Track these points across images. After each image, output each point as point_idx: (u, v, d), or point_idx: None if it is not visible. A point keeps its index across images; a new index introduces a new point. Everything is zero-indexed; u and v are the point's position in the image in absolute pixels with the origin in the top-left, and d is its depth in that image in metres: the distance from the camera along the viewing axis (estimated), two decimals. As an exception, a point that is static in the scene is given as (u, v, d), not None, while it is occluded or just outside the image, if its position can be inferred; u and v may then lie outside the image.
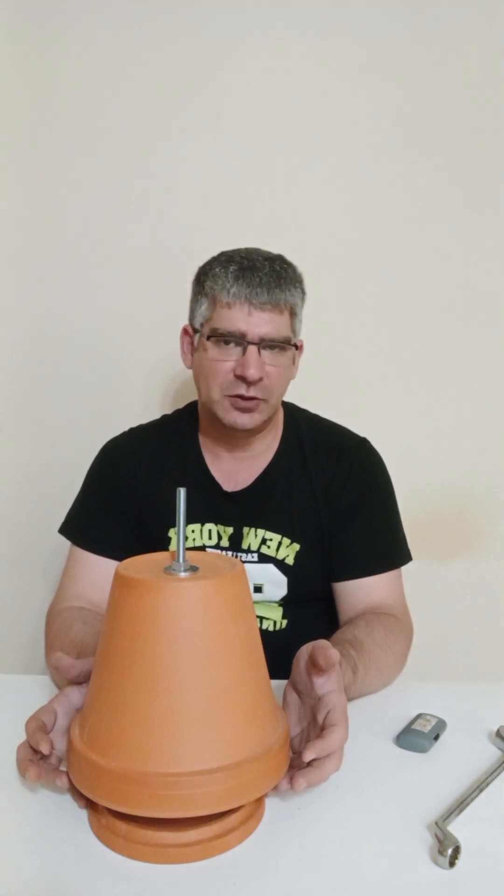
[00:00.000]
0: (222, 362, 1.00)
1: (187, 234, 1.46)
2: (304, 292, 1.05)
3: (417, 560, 1.12)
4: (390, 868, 0.60)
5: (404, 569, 1.09)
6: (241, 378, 0.99)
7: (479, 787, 0.70)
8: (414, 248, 1.50)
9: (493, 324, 1.52)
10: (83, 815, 0.66)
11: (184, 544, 0.65)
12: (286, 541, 1.08)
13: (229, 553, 1.08)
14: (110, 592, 0.65)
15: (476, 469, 1.55)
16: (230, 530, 1.09)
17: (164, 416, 1.21)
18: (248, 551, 1.08)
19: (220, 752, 0.60)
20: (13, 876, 0.58)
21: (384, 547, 1.08)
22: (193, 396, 1.13)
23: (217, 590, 0.63)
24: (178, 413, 1.20)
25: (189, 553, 0.67)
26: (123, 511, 1.09)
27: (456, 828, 0.63)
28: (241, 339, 0.99)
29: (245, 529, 1.08)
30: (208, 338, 1.01)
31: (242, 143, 1.46)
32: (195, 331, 1.05)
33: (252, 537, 1.08)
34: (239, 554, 1.08)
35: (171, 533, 1.08)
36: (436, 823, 0.63)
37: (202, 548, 1.08)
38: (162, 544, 1.08)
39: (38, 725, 0.68)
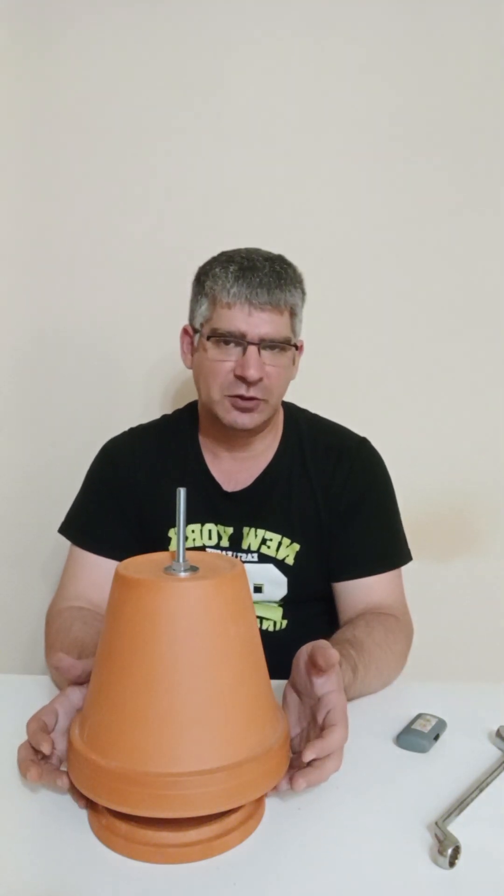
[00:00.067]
0: (222, 362, 1.00)
1: (187, 234, 1.46)
2: (304, 292, 1.05)
3: (417, 560, 1.12)
4: (390, 868, 0.60)
5: (404, 569, 1.09)
6: (241, 378, 0.98)
7: (479, 787, 0.70)
8: (414, 248, 1.50)
9: (493, 324, 1.52)
10: (83, 815, 0.66)
11: (184, 544, 0.65)
12: (286, 541, 1.08)
13: (229, 553, 1.08)
14: (110, 592, 0.65)
15: (476, 469, 1.55)
16: (230, 530, 1.09)
17: (164, 416, 1.21)
18: (248, 551, 1.08)
19: (220, 752, 0.60)
20: (13, 876, 0.58)
21: (384, 547, 1.08)
22: (193, 396, 1.13)
23: (217, 590, 0.63)
24: (178, 413, 1.20)
25: (189, 553, 0.67)
26: (123, 511, 1.09)
27: (456, 828, 0.63)
28: (241, 340, 0.99)
29: (245, 529, 1.08)
30: (208, 338, 1.01)
31: (243, 142, 1.46)
32: (195, 331, 1.05)
33: (252, 537, 1.08)
34: (239, 554, 1.08)
35: (171, 533, 1.08)
36: (436, 823, 0.63)
37: (202, 548, 1.08)
38: (162, 544, 1.08)
39: (40, 726, 0.68)
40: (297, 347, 1.06)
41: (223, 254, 1.03)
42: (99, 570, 1.05)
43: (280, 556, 1.07)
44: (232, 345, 0.99)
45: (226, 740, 0.61)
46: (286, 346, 1.02)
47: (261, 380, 0.99)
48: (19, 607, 1.54)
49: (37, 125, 1.45)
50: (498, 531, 1.56)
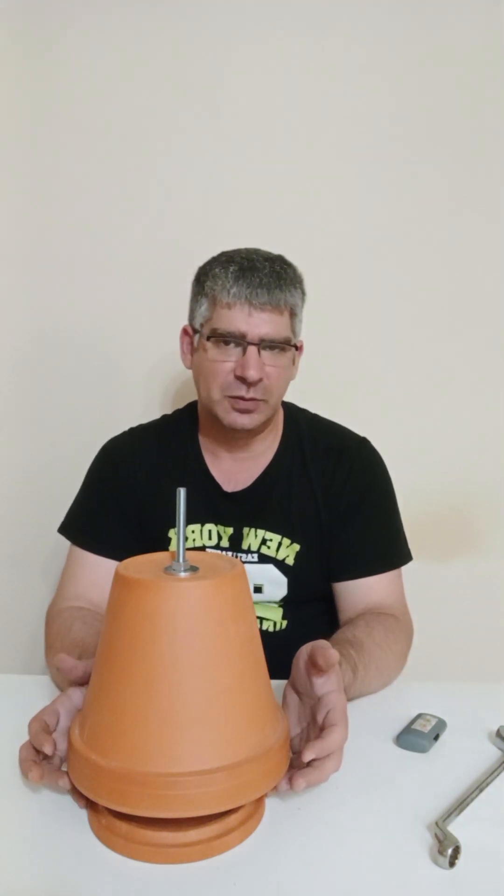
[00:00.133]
0: (222, 363, 1.00)
1: (187, 234, 1.46)
2: (304, 293, 1.05)
3: (417, 560, 1.12)
4: (390, 868, 0.60)
5: (404, 569, 1.09)
6: (241, 379, 0.98)
7: (479, 787, 0.70)
8: (414, 248, 1.50)
9: (493, 324, 1.52)
10: (83, 815, 0.66)
11: (184, 544, 0.65)
12: (286, 541, 1.08)
13: (229, 553, 1.08)
14: (110, 592, 0.65)
15: (476, 469, 1.55)
16: (230, 531, 1.09)
17: (164, 416, 1.21)
18: (248, 552, 1.08)
19: (220, 752, 0.60)
20: (13, 876, 0.59)
21: (384, 547, 1.08)
22: (193, 396, 1.13)
23: (217, 590, 0.63)
24: (178, 413, 1.20)
25: (189, 553, 0.67)
26: (123, 511, 1.09)
27: (456, 828, 0.63)
28: (240, 340, 0.99)
29: (245, 530, 1.08)
30: (208, 338, 1.01)
31: (243, 143, 1.46)
32: (195, 331, 1.05)
33: (252, 538, 1.08)
34: (239, 554, 1.08)
35: (171, 533, 1.08)
36: (436, 823, 0.63)
37: (202, 548, 1.08)
38: (162, 544, 1.08)
39: (41, 726, 0.68)
40: (296, 348, 1.06)
41: (223, 254, 1.03)
42: (99, 570, 1.05)
43: (280, 556, 1.07)
44: (232, 345, 0.99)
45: (226, 740, 0.61)
46: (286, 346, 1.02)
47: (261, 380, 0.99)
48: (19, 607, 1.54)
49: (37, 125, 1.46)
50: (498, 531, 1.56)
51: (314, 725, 0.69)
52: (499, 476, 1.55)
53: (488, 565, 1.57)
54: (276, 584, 1.08)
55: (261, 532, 1.08)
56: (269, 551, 1.08)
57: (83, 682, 0.72)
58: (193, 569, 0.65)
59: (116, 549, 1.04)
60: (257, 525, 1.08)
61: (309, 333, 1.11)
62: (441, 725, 0.81)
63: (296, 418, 1.15)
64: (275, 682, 0.70)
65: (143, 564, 0.68)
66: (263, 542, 1.08)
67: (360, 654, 0.86)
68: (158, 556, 0.71)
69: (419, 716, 0.82)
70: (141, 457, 1.12)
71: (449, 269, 1.50)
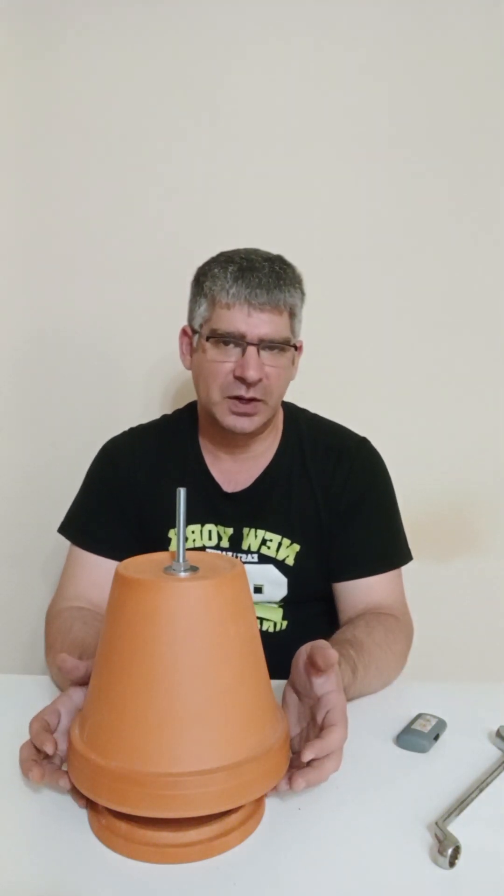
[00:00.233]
0: (221, 363, 1.00)
1: (187, 234, 1.46)
2: (303, 293, 1.05)
3: (417, 560, 1.12)
4: (390, 868, 0.60)
5: (404, 569, 1.09)
6: (241, 379, 0.98)
7: (479, 787, 0.70)
8: (414, 249, 1.50)
9: (493, 324, 1.52)
10: (83, 815, 0.66)
11: (184, 544, 0.65)
12: (286, 541, 1.08)
13: (229, 554, 1.08)
14: (110, 592, 0.65)
15: (476, 469, 1.55)
16: (230, 531, 1.09)
17: (164, 417, 1.21)
18: (248, 552, 1.08)
19: (220, 752, 0.60)
20: (13, 876, 0.59)
21: (384, 547, 1.08)
22: (193, 396, 1.13)
23: (217, 590, 0.63)
24: (177, 413, 1.20)
25: (189, 553, 0.67)
26: (123, 511, 1.09)
27: (456, 828, 0.63)
28: (240, 340, 0.99)
29: (245, 530, 1.08)
30: (207, 339, 1.01)
31: (243, 143, 1.46)
32: (194, 332, 1.05)
33: (252, 538, 1.08)
34: (239, 555, 1.08)
35: (171, 533, 1.08)
36: (436, 823, 0.63)
37: (202, 548, 1.08)
38: (162, 545, 1.08)
39: (43, 726, 0.68)
40: (296, 348, 1.06)
41: (222, 254, 1.03)
42: (99, 570, 1.05)
43: (280, 556, 1.07)
44: (231, 345, 0.99)
45: (226, 740, 0.61)
46: (286, 346, 1.01)
47: (260, 380, 0.99)
48: (19, 607, 1.54)
49: (37, 125, 1.46)
50: (498, 531, 1.56)
51: (314, 725, 0.69)
52: (499, 476, 1.55)
53: (488, 565, 1.57)
54: (276, 585, 1.08)
55: (261, 532, 1.08)
56: (269, 551, 1.08)
57: (84, 681, 0.72)
58: (193, 569, 0.65)
59: (116, 549, 1.04)
60: (257, 525, 1.08)
61: (309, 333, 1.11)
62: (441, 725, 0.81)
63: (296, 418, 1.15)
64: (275, 682, 0.70)
65: (143, 564, 0.68)
66: (263, 542, 1.08)
67: (360, 654, 0.86)
68: (158, 556, 0.71)
69: (419, 716, 0.82)
70: (141, 457, 1.12)
71: (449, 269, 1.50)
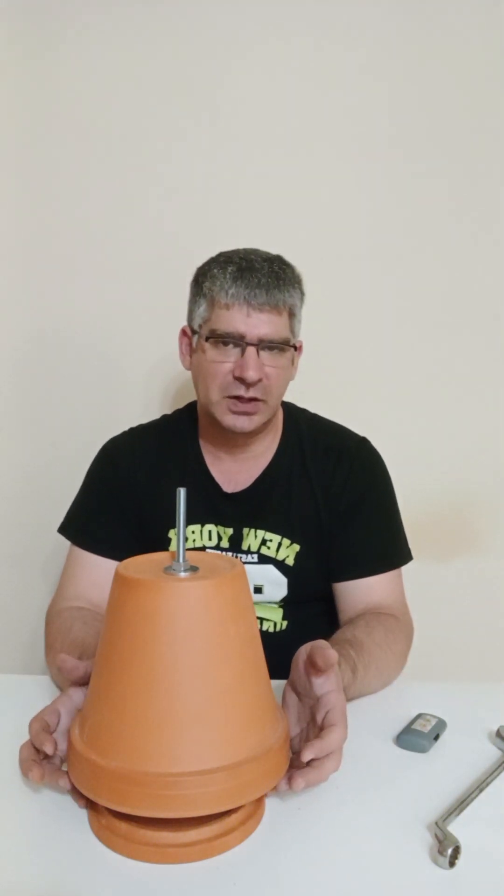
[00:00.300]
0: (221, 363, 1.00)
1: (187, 234, 1.46)
2: (302, 293, 1.04)
3: (417, 560, 1.12)
4: (390, 868, 0.60)
5: (404, 569, 1.09)
6: (240, 379, 0.98)
7: (479, 787, 0.70)
8: (414, 249, 1.50)
9: (493, 323, 1.52)
10: (83, 815, 0.66)
11: (184, 544, 0.65)
12: (286, 541, 1.08)
13: (229, 554, 1.08)
14: (110, 592, 0.65)
15: (476, 469, 1.55)
16: (230, 531, 1.09)
17: (164, 416, 1.21)
18: (248, 552, 1.08)
19: (220, 752, 0.60)
20: (13, 876, 0.59)
21: (384, 547, 1.08)
22: (193, 396, 1.13)
23: (217, 590, 0.63)
24: (177, 413, 1.20)
25: (189, 553, 0.67)
26: (123, 511, 1.09)
27: (456, 828, 0.63)
28: (239, 341, 0.99)
29: (245, 530, 1.08)
30: (207, 339, 1.01)
31: (243, 143, 1.46)
32: (193, 332, 1.05)
33: (252, 538, 1.08)
34: (239, 555, 1.08)
35: (171, 534, 1.08)
36: (436, 823, 0.63)
37: (202, 549, 1.08)
38: (162, 545, 1.08)
39: (42, 726, 0.68)
40: (295, 348, 1.06)
41: (221, 254, 1.03)
42: (99, 570, 1.05)
43: (280, 556, 1.07)
44: (231, 346, 0.99)
45: (226, 740, 0.61)
46: (285, 346, 1.01)
47: (260, 381, 0.99)
48: (19, 607, 1.54)
49: (37, 125, 1.46)
50: (498, 531, 1.56)
51: (313, 725, 0.69)
52: (499, 476, 1.55)
53: (488, 565, 1.57)
54: (276, 585, 1.08)
55: (261, 532, 1.08)
56: (268, 552, 1.08)
57: (84, 682, 0.72)
58: (193, 569, 0.65)
59: (116, 549, 1.04)
60: (257, 525, 1.08)
61: (309, 333, 1.11)
62: (441, 725, 0.81)
63: (295, 418, 1.15)
64: (275, 682, 0.70)
65: (143, 564, 0.68)
66: (263, 542, 1.08)
67: (360, 654, 0.86)
68: (158, 556, 0.71)
69: (419, 716, 0.82)
70: (141, 457, 1.12)
71: (449, 269, 1.50)
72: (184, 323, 1.09)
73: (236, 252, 1.02)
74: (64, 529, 1.12)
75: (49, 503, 1.32)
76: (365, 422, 1.18)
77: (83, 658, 0.76)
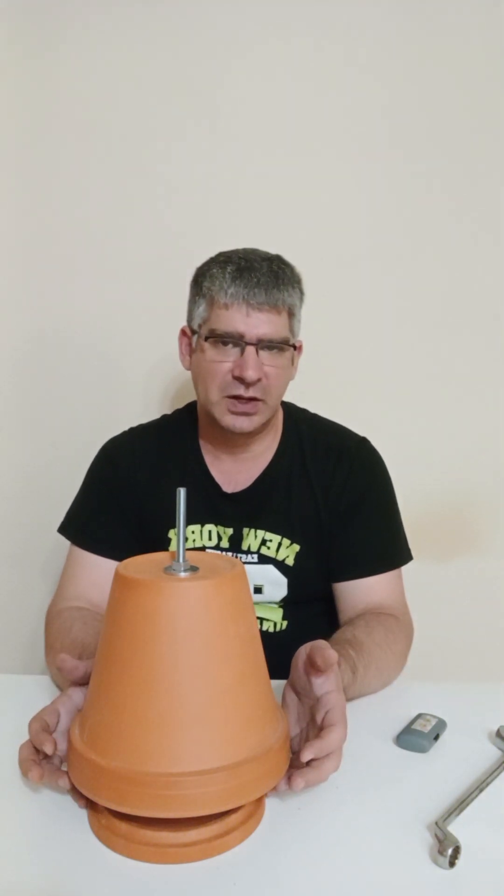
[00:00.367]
0: (220, 363, 1.00)
1: (187, 235, 1.46)
2: (302, 292, 1.04)
3: (417, 560, 1.12)
4: (390, 868, 0.60)
5: (404, 569, 1.09)
6: (240, 379, 0.98)
7: (479, 787, 0.70)
8: (414, 248, 1.50)
9: (493, 323, 1.52)
10: (83, 815, 0.66)
11: (184, 544, 0.65)
12: (286, 541, 1.08)
13: (229, 554, 1.08)
14: (110, 592, 0.65)
15: (476, 469, 1.55)
16: (230, 531, 1.09)
17: (164, 416, 1.21)
18: (248, 552, 1.08)
19: (220, 752, 0.60)
20: (13, 876, 0.59)
21: (384, 547, 1.08)
22: (193, 396, 1.13)
23: (217, 590, 0.63)
24: (177, 413, 1.20)
25: (189, 553, 0.67)
26: (123, 511, 1.09)
27: (456, 828, 0.63)
28: (239, 340, 0.98)
29: (245, 530, 1.08)
30: (206, 339, 1.01)
31: (243, 143, 1.46)
32: (193, 332, 1.05)
33: (252, 538, 1.08)
34: (239, 555, 1.08)
35: (171, 534, 1.08)
36: (436, 823, 0.63)
37: (202, 549, 1.08)
38: (162, 545, 1.08)
39: (42, 726, 0.68)
40: (295, 348, 1.06)
41: (221, 254, 1.03)
42: (99, 570, 1.05)
43: (280, 556, 1.07)
44: (230, 345, 0.99)
45: (226, 740, 0.61)
46: (284, 346, 1.01)
47: (259, 380, 0.99)
48: (19, 607, 1.54)
49: (37, 125, 1.46)
50: (498, 531, 1.56)
51: (313, 725, 0.69)
52: (499, 476, 1.55)
53: (488, 565, 1.57)
54: (275, 585, 1.08)
55: (260, 532, 1.08)
56: (268, 552, 1.08)
57: (84, 682, 0.72)
58: (193, 569, 0.65)
59: (116, 549, 1.04)
60: (257, 525, 1.08)
61: (309, 333, 1.11)
62: (441, 725, 0.81)
63: (295, 418, 1.15)
64: (275, 682, 0.70)
65: (143, 564, 0.68)
66: (263, 542, 1.08)
67: (360, 654, 0.86)
68: (158, 556, 0.71)
69: (419, 716, 0.82)
70: (141, 457, 1.12)
71: (449, 269, 1.50)
72: (184, 323, 1.09)
73: (235, 252, 1.02)
74: (64, 529, 1.12)
75: (49, 503, 1.32)
76: (365, 422, 1.18)
77: (83, 658, 0.76)
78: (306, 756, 0.64)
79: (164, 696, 0.60)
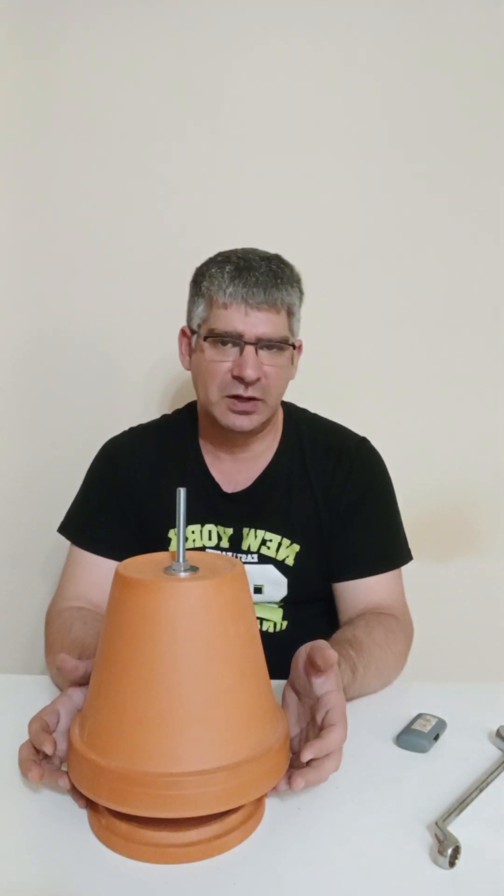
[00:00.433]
0: (220, 363, 1.00)
1: (187, 234, 1.46)
2: (301, 292, 1.04)
3: (417, 560, 1.12)
4: (390, 868, 0.60)
5: (404, 569, 1.09)
6: (239, 378, 0.98)
7: (479, 787, 0.70)
8: (414, 248, 1.50)
9: (493, 323, 1.52)
10: (83, 815, 0.66)
11: (184, 544, 0.65)
12: (286, 541, 1.08)
13: (229, 554, 1.08)
14: (110, 592, 0.65)
15: (476, 469, 1.55)
16: (230, 531, 1.09)
17: (164, 416, 1.21)
18: (248, 552, 1.08)
19: (220, 752, 0.60)
20: (13, 876, 0.59)
21: (384, 547, 1.08)
22: (193, 396, 1.13)
23: (217, 590, 0.63)
24: (177, 413, 1.20)
25: (189, 553, 0.67)
26: (123, 511, 1.09)
27: (456, 828, 0.63)
28: (238, 340, 0.98)
29: (245, 530, 1.08)
30: (205, 338, 1.01)
31: (243, 143, 1.46)
32: (193, 332, 1.05)
33: (252, 538, 1.08)
34: (239, 555, 1.08)
35: (171, 534, 1.08)
36: (436, 823, 0.63)
37: (202, 549, 1.08)
38: (162, 545, 1.08)
39: (42, 726, 0.68)
40: (295, 347, 1.06)
41: (220, 254, 1.03)
42: (99, 570, 1.05)
43: (280, 556, 1.07)
44: (229, 345, 0.99)
45: (226, 740, 0.61)
46: (284, 345, 1.01)
47: (258, 380, 0.99)
48: (19, 607, 1.54)
49: (37, 125, 1.46)
50: (498, 531, 1.56)
51: (313, 725, 0.69)
52: (499, 476, 1.55)
53: (488, 565, 1.57)
54: (275, 585, 1.08)
55: (260, 532, 1.08)
56: (268, 552, 1.08)
57: (84, 682, 0.72)
58: (193, 569, 0.65)
59: (116, 549, 1.04)
60: (257, 525, 1.08)
61: (309, 333, 1.11)
62: (441, 725, 0.81)
63: (295, 418, 1.14)
64: (275, 682, 0.70)
65: (143, 564, 0.68)
66: (263, 542, 1.08)
67: (360, 654, 0.86)
68: (158, 556, 0.71)
69: (419, 716, 0.82)
70: (141, 457, 1.12)
71: (449, 269, 1.50)
72: (184, 323, 1.09)
73: (234, 252, 1.02)
74: (64, 529, 1.12)
75: (49, 503, 1.32)
76: (365, 422, 1.18)
77: (83, 658, 0.76)
78: (306, 756, 0.64)
79: (164, 696, 0.60)
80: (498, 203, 1.49)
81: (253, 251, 1.03)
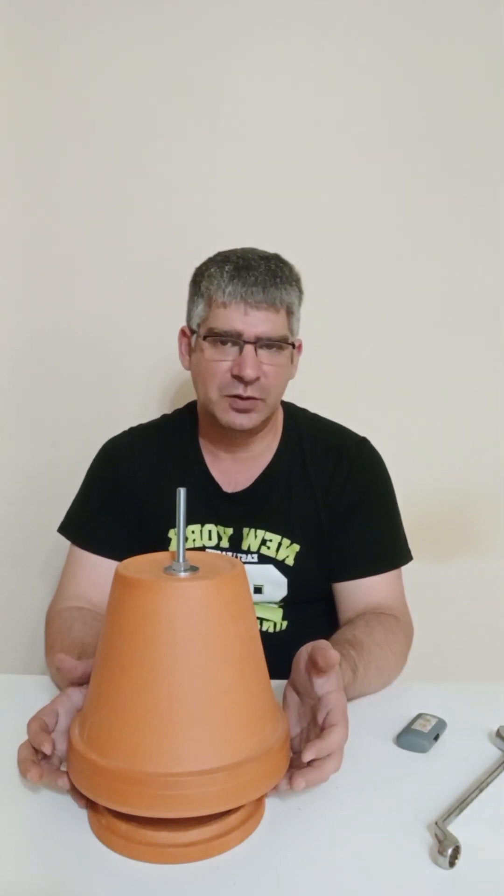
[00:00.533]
0: (219, 362, 1.00)
1: (187, 234, 1.46)
2: (300, 291, 1.04)
3: (417, 560, 1.12)
4: (390, 868, 0.60)
5: (404, 569, 1.09)
6: (238, 378, 0.98)
7: (479, 787, 0.70)
8: (414, 248, 1.50)
9: (493, 324, 1.52)
10: (83, 815, 0.66)
11: (184, 544, 0.65)
12: (286, 541, 1.08)
13: (229, 554, 1.08)
14: (110, 592, 0.65)
15: (476, 469, 1.55)
16: (230, 531, 1.09)
17: (164, 416, 1.21)
18: (248, 552, 1.08)
19: (220, 752, 0.60)
20: (13, 876, 0.59)
21: (384, 547, 1.08)
22: (193, 396, 1.13)
23: (217, 590, 0.63)
24: (177, 413, 1.20)
25: (189, 553, 0.67)
26: (123, 511, 1.09)
27: (456, 828, 0.63)
28: (237, 339, 0.99)
29: (245, 530, 1.08)
30: (205, 338, 1.01)
31: (243, 144, 1.47)
32: (192, 332, 1.05)
33: (252, 538, 1.08)
34: (239, 555, 1.08)
35: (171, 533, 1.08)
36: (436, 823, 0.63)
37: (202, 548, 1.08)
38: (162, 545, 1.08)
39: (41, 726, 0.68)
40: (294, 346, 1.06)
41: (219, 254, 1.04)
42: (99, 570, 1.05)
43: (280, 556, 1.07)
44: (229, 344, 0.99)
45: (226, 740, 0.61)
46: (283, 344, 1.01)
47: (258, 379, 0.99)
48: (19, 607, 1.54)
49: (37, 125, 1.46)
50: (498, 531, 1.56)
51: (314, 725, 0.69)
52: (499, 476, 1.55)
53: (488, 565, 1.57)
54: (275, 585, 1.08)
55: (260, 532, 1.08)
56: (268, 552, 1.08)
57: (83, 682, 0.72)
58: (193, 569, 0.65)
59: (116, 549, 1.04)
60: (257, 525, 1.08)
61: (309, 333, 1.11)
62: (441, 725, 0.81)
63: (295, 418, 1.14)
64: (275, 682, 0.70)
65: (143, 564, 0.68)
66: (263, 542, 1.08)
67: (360, 654, 0.86)
68: (158, 556, 0.71)
69: (419, 716, 0.82)
70: (141, 457, 1.12)
71: (449, 269, 1.50)
72: (183, 323, 1.09)
73: (234, 251, 1.03)
74: (64, 529, 1.12)
75: (49, 503, 1.32)
76: (365, 422, 1.18)
77: (82, 658, 0.76)
78: (307, 756, 0.64)
79: (164, 696, 0.60)
80: (498, 203, 1.49)
81: (252, 251, 1.03)
